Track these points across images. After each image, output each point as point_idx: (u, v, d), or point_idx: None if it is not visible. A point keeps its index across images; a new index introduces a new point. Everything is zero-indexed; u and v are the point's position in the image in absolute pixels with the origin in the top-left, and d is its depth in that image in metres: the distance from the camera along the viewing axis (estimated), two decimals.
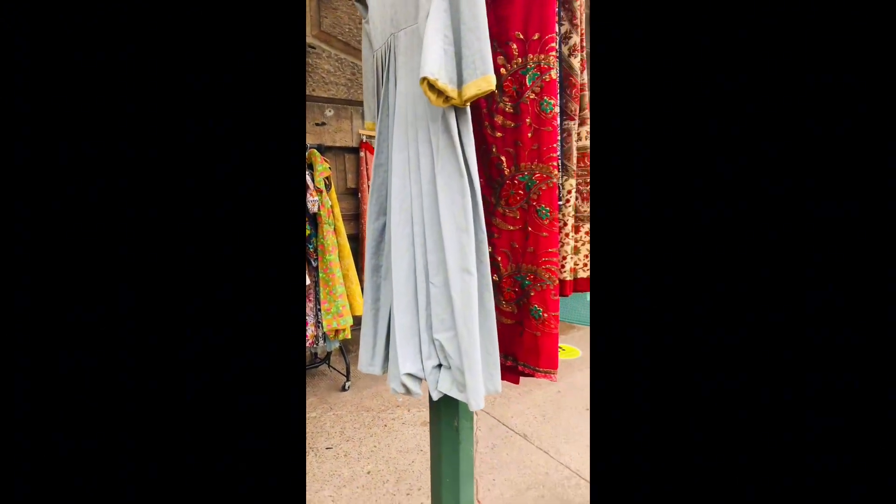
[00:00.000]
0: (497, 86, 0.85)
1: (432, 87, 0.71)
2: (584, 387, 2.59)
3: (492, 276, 0.91)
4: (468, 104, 0.77)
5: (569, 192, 1.00)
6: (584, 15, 0.96)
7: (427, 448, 1.96)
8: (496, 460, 1.92)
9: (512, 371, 0.97)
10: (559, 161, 0.92)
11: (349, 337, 2.45)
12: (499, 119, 0.88)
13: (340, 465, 1.89)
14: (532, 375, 0.93)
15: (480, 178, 0.90)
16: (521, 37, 0.83)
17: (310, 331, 2.39)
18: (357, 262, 2.61)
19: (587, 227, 1.09)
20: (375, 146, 0.99)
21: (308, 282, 2.37)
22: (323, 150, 2.57)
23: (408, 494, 1.72)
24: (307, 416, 2.30)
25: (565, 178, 0.99)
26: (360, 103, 2.94)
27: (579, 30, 0.96)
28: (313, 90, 2.81)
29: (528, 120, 0.85)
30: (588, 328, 3.46)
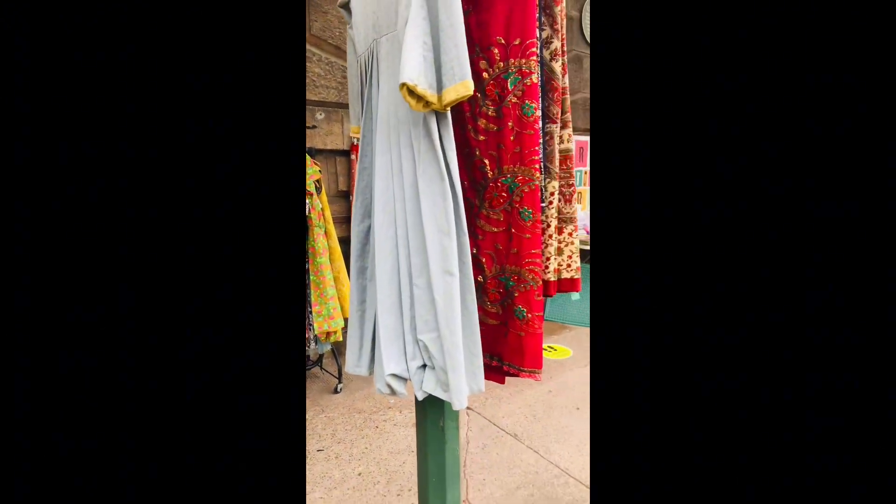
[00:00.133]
0: (480, 90, 0.86)
1: (412, 92, 0.73)
2: (574, 386, 2.59)
3: (477, 277, 0.92)
4: (448, 108, 0.78)
5: (552, 193, 1.02)
6: (564, 20, 0.98)
7: None
8: (486, 460, 1.93)
9: (497, 371, 0.98)
10: (542, 164, 0.93)
11: (341, 339, 2.45)
12: (482, 123, 0.89)
13: (331, 466, 1.90)
14: (517, 375, 0.94)
15: (465, 180, 0.92)
16: (503, 42, 0.85)
17: None
18: (348, 264, 2.62)
19: (570, 228, 1.11)
20: (359, 150, 1.01)
21: None
22: (314, 153, 2.57)
23: (398, 495, 1.72)
24: None
25: (548, 180, 1.01)
26: None
27: (560, 35, 0.98)
28: None
29: (510, 123, 0.86)
30: (579, 328, 3.50)
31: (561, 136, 1.03)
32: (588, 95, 4.11)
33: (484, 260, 0.93)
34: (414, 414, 2.30)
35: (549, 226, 1.01)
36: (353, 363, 1.03)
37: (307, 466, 1.90)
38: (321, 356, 2.74)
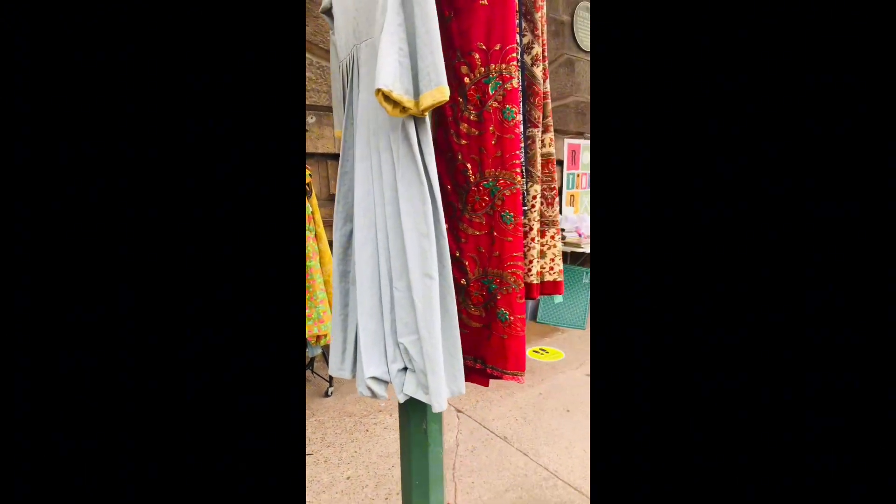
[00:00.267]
0: (462, 95, 0.88)
1: (388, 97, 0.73)
2: (566, 389, 2.58)
3: (460, 280, 0.93)
4: (426, 114, 0.79)
5: (534, 197, 1.03)
6: (545, 26, 0.99)
7: None
8: (476, 463, 1.92)
9: (481, 374, 0.99)
10: (523, 167, 0.94)
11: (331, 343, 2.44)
12: (464, 127, 0.90)
13: (320, 470, 1.89)
14: (500, 378, 0.95)
15: (448, 184, 0.93)
16: (483, 47, 0.86)
17: None
18: None
19: (552, 231, 1.13)
20: (341, 154, 1.02)
21: None
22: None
23: (386, 499, 1.72)
24: None
25: (530, 183, 1.02)
26: None
27: (541, 40, 0.99)
28: None
29: (491, 128, 0.87)
30: (571, 331, 3.49)
31: (542, 140, 1.04)
32: (580, 99, 4.12)
33: (467, 263, 0.94)
34: None
35: (531, 229, 1.02)
36: (337, 366, 1.04)
37: None
38: (312, 359, 2.74)
